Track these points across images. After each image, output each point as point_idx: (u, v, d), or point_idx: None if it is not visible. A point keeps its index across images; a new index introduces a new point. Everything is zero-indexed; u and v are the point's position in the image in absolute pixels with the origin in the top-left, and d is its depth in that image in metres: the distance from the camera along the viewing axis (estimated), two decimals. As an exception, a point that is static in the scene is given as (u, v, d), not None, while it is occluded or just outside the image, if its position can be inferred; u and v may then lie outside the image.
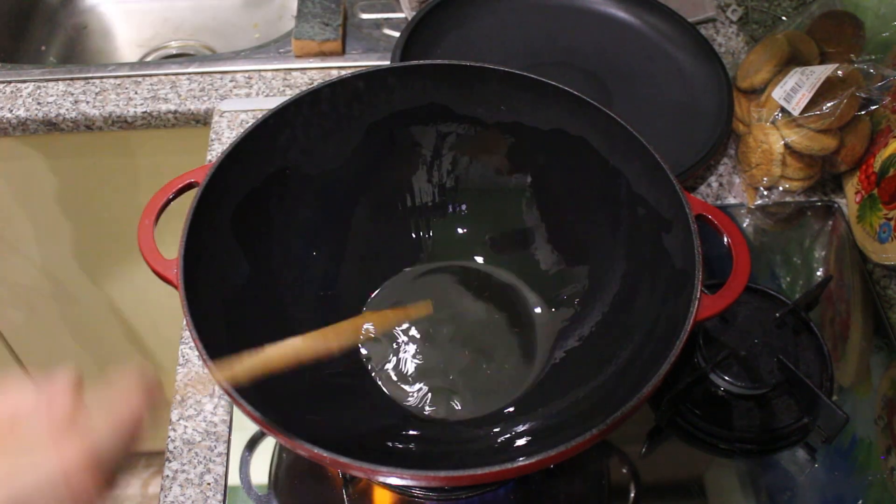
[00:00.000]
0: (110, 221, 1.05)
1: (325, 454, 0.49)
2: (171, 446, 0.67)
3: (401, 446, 0.62)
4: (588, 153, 0.67)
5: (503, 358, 0.69)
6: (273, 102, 0.65)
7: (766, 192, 0.82)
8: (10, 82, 0.91)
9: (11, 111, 0.88)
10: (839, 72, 0.76)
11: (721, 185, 0.84)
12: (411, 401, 0.66)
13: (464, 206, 0.74)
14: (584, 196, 0.69)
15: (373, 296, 0.72)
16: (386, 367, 0.68)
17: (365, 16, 1.00)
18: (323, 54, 0.93)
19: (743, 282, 0.57)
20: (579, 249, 0.70)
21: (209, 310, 0.57)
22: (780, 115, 0.79)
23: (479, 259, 0.74)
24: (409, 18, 0.93)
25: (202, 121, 0.90)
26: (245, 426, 0.68)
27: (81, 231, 1.07)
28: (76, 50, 1.13)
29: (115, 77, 0.91)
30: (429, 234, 0.74)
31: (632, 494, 0.66)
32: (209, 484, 0.65)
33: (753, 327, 0.70)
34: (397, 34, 0.92)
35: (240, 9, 1.17)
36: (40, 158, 0.96)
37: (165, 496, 0.64)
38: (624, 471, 0.67)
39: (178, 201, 0.61)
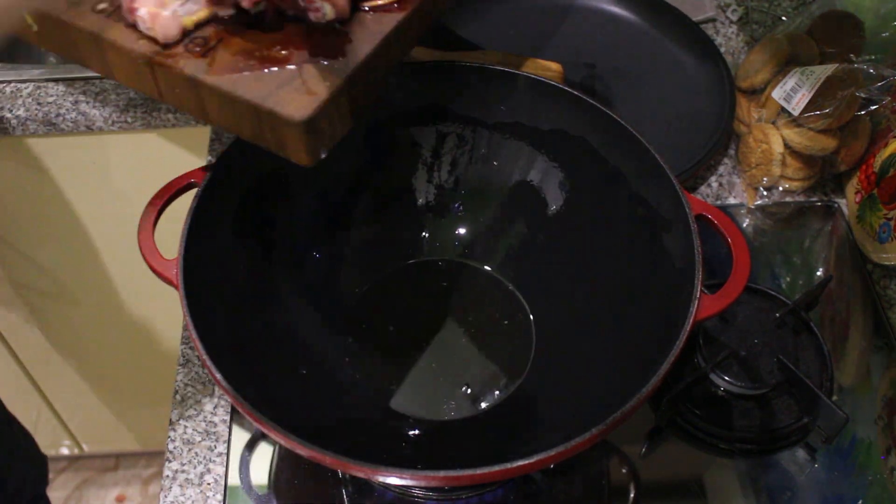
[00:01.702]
0: (110, 221, 1.05)
1: (325, 454, 0.49)
2: (171, 446, 0.67)
3: (401, 446, 0.62)
4: (588, 153, 0.67)
5: (501, 358, 0.69)
6: (273, 102, 0.65)
7: (766, 192, 0.82)
8: (10, 82, 0.91)
9: (11, 111, 0.88)
10: (839, 72, 0.76)
11: (721, 185, 0.84)
12: (406, 404, 0.66)
13: (463, 207, 0.74)
14: (584, 196, 0.69)
15: (364, 290, 0.72)
16: (383, 368, 0.68)
17: (365, 16, 1.00)
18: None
19: (743, 282, 0.57)
20: (579, 249, 0.70)
21: (209, 310, 0.57)
22: (780, 115, 0.79)
23: (478, 260, 0.74)
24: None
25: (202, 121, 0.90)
26: (245, 426, 0.68)
27: (81, 231, 1.07)
28: (76, 50, 1.13)
29: (115, 77, 0.91)
30: (428, 235, 0.74)
31: (632, 494, 0.66)
32: (209, 484, 0.65)
33: (753, 327, 0.70)
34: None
35: (240, 9, 1.17)
36: (40, 158, 0.96)
37: (165, 496, 0.64)
38: (624, 471, 0.67)
39: (178, 201, 0.61)
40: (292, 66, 0.54)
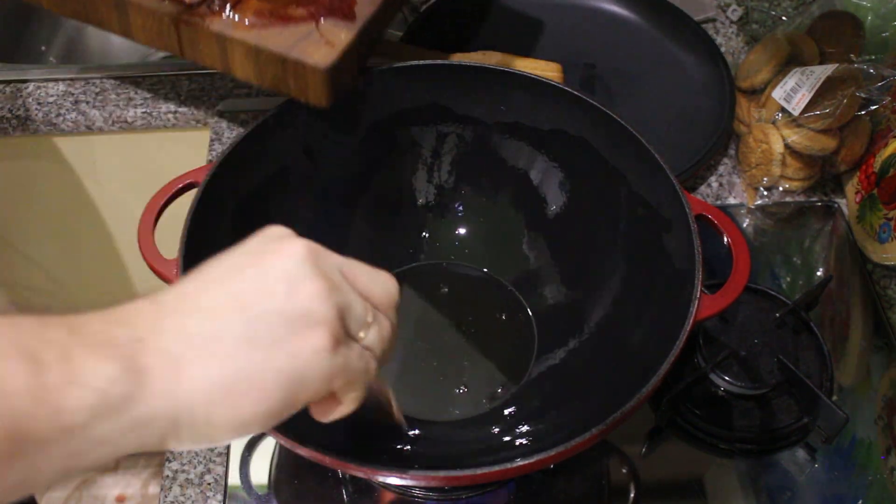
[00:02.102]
0: (110, 221, 1.05)
1: (325, 454, 0.49)
2: (171, 446, 0.67)
3: (401, 446, 0.62)
4: (588, 153, 0.67)
5: (502, 358, 0.69)
6: (273, 102, 0.65)
7: (766, 192, 0.82)
8: (10, 82, 0.91)
9: (11, 111, 0.88)
10: (839, 72, 0.76)
11: (721, 185, 0.84)
12: (407, 404, 0.66)
13: (463, 207, 0.74)
14: (584, 196, 0.69)
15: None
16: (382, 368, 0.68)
17: (365, 16, 1.00)
18: (323, 54, 0.93)
19: (743, 282, 0.57)
20: (579, 250, 0.70)
21: (209, 310, 0.57)
22: (780, 115, 0.79)
23: (479, 260, 0.74)
24: (410, 19, 0.93)
25: (202, 121, 0.90)
26: (245, 426, 0.68)
27: (81, 231, 1.07)
28: (76, 50, 1.13)
29: (115, 77, 0.91)
30: (428, 235, 0.74)
31: (632, 494, 0.66)
32: (209, 484, 0.65)
33: (753, 327, 0.70)
34: (399, 34, 0.92)
35: (240, 9, 1.17)
36: (40, 158, 0.96)
37: (165, 496, 0.64)
38: (624, 471, 0.67)
39: (178, 201, 0.61)
40: (309, 23, 0.63)
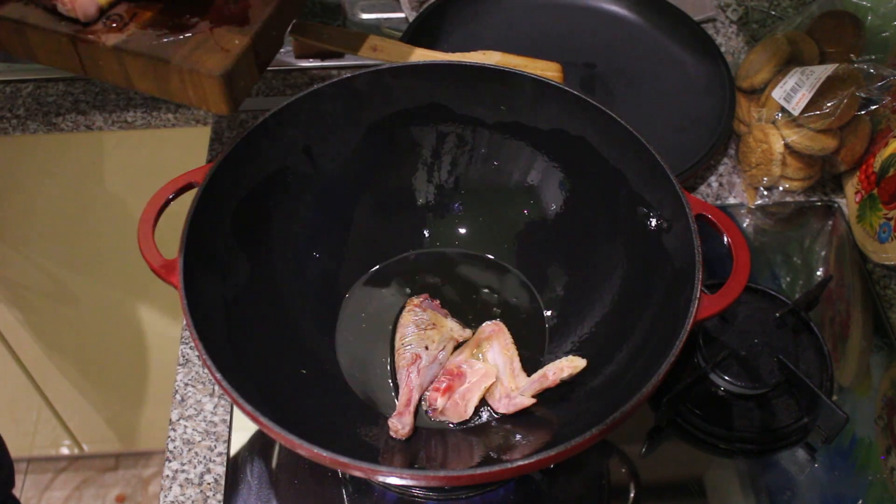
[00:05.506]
0: (110, 221, 1.05)
1: (325, 454, 0.49)
2: (171, 446, 0.67)
3: (401, 446, 0.62)
4: (588, 153, 0.67)
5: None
6: (273, 102, 0.65)
7: (766, 192, 0.82)
8: (10, 82, 0.91)
9: (11, 111, 0.88)
10: (839, 72, 0.76)
11: (721, 185, 0.84)
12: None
13: (463, 207, 0.74)
14: (584, 196, 0.69)
15: (364, 289, 0.72)
16: (383, 367, 0.68)
17: (365, 16, 1.00)
18: (323, 54, 0.93)
19: (743, 282, 0.57)
20: (579, 250, 0.70)
21: (209, 310, 0.57)
22: (780, 115, 0.79)
23: (478, 259, 0.74)
24: (410, 19, 0.93)
25: (202, 121, 0.90)
26: (245, 426, 0.68)
27: (81, 231, 1.07)
28: (76, 50, 1.13)
29: (115, 77, 0.91)
30: (428, 235, 0.74)
31: (632, 494, 0.66)
32: (209, 484, 0.65)
33: (753, 327, 0.70)
34: (398, 34, 0.93)
35: (240, 9, 1.17)
36: (40, 158, 0.96)
37: (165, 496, 0.64)
38: (624, 471, 0.67)
39: (178, 201, 0.61)
40: (204, 31, 0.64)
